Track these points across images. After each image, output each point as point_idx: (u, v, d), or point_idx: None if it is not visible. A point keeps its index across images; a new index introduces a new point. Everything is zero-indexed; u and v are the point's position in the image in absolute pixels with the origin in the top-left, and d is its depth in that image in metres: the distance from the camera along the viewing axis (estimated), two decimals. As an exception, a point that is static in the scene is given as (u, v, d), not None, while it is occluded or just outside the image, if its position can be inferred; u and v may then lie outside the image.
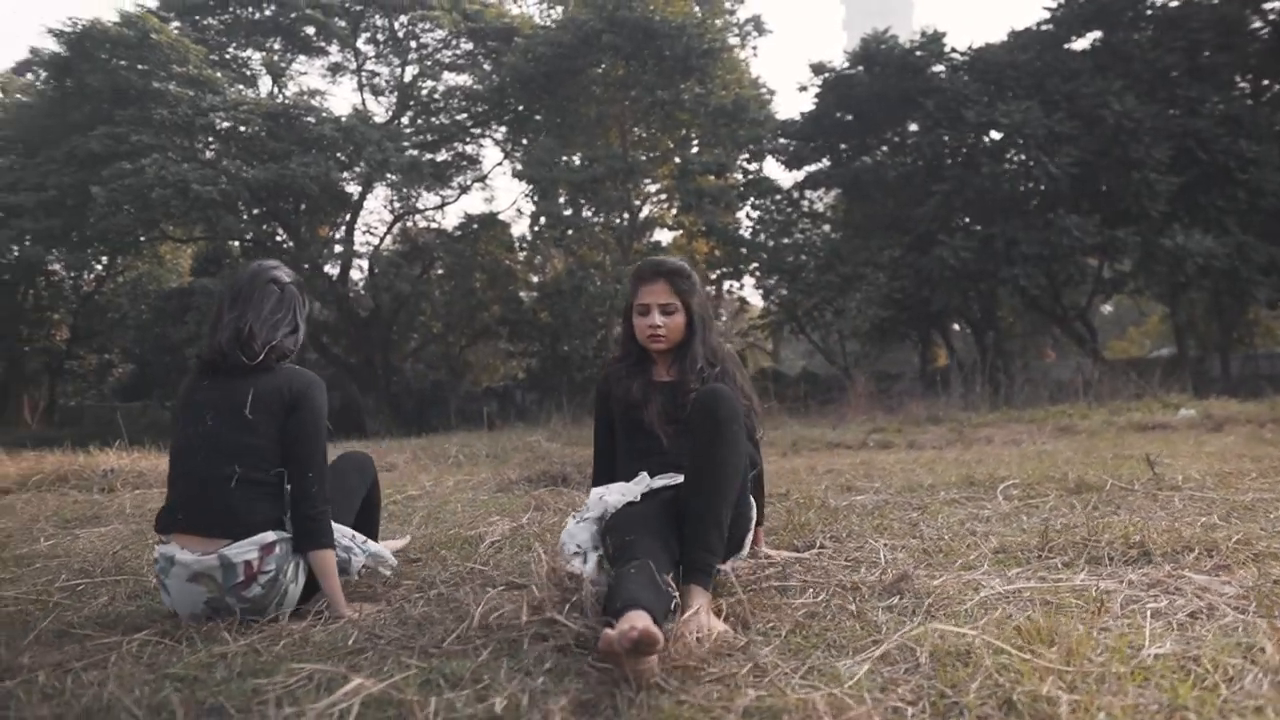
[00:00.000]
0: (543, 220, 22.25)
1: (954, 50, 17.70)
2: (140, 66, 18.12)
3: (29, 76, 22.24)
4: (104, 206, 16.85)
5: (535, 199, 23.03)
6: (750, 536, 2.73)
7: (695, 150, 22.25)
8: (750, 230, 21.00)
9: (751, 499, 2.72)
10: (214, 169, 17.76)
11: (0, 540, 4.10)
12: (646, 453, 2.65)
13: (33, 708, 1.57)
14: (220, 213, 17.89)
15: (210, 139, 19.27)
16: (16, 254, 21.02)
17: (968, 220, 17.17)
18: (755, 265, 20.65)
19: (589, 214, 22.46)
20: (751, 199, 20.95)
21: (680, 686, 1.62)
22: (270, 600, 2.22)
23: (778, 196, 20.72)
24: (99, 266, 24.55)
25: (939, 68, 17.70)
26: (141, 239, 21.17)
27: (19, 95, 22.07)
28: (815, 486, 4.78)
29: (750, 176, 21.27)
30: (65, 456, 8.51)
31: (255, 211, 20.92)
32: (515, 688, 1.60)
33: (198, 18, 20.95)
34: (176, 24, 20.66)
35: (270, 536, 2.20)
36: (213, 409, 2.27)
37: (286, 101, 20.20)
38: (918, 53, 17.63)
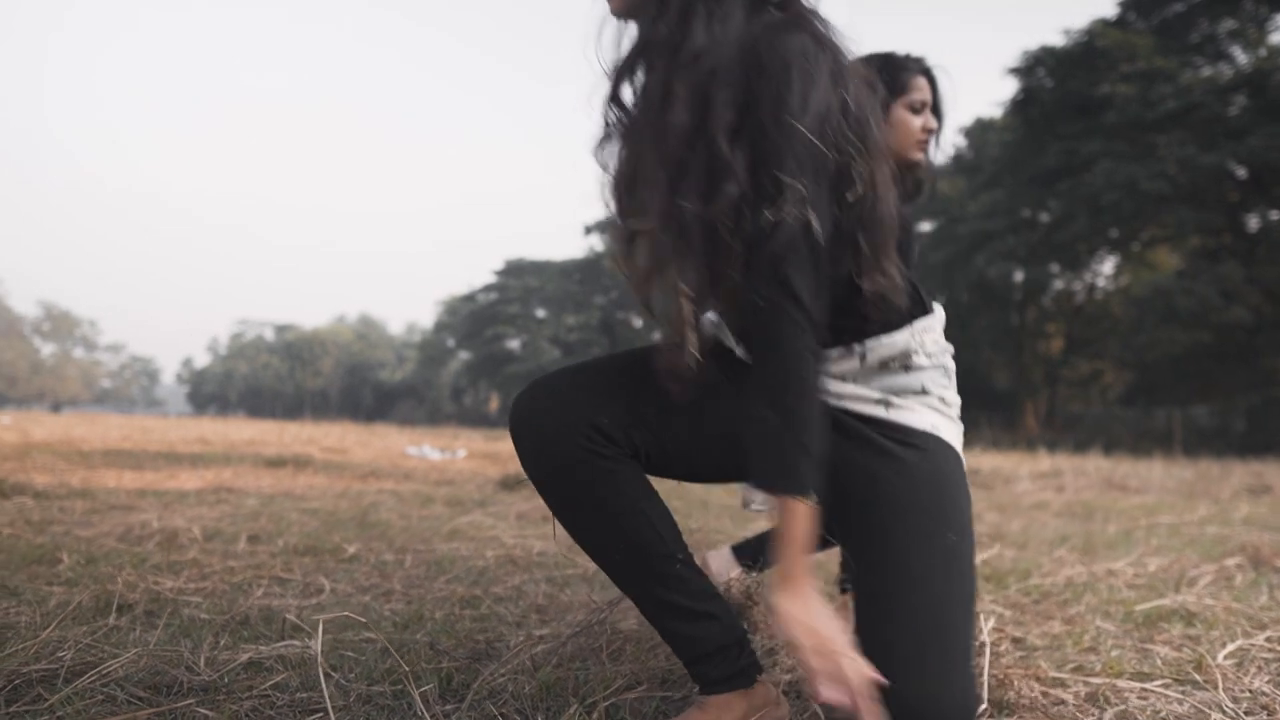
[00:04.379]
0: None
1: None
2: (1099, 77, 18.39)
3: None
4: (1058, 220, 17.66)
5: None
6: None
7: None
8: None
9: None
10: (1164, 161, 16.89)
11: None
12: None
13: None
14: (1174, 206, 16.92)
15: (1161, 132, 18.40)
16: (1022, 276, 23.44)
17: None
18: None
19: None
20: None
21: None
22: None
23: None
24: (1094, 276, 25.57)
25: None
26: (1134, 243, 21.24)
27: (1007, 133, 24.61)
28: None
29: None
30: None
31: (1236, 199, 19.03)
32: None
33: (1154, 15, 20.19)
34: (1142, 24, 20.26)
35: None
36: None
37: (1247, 69, 17.89)
38: None
